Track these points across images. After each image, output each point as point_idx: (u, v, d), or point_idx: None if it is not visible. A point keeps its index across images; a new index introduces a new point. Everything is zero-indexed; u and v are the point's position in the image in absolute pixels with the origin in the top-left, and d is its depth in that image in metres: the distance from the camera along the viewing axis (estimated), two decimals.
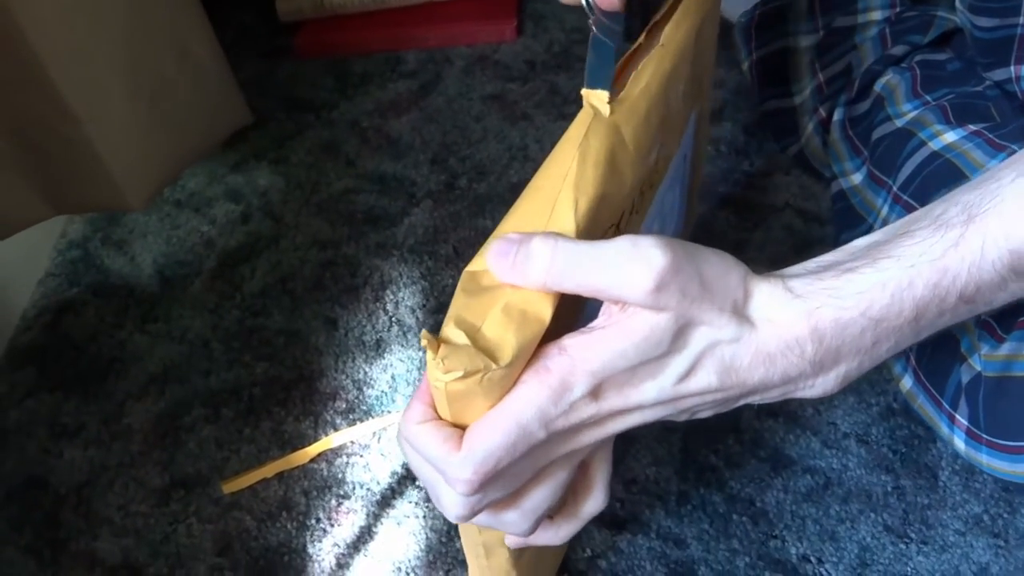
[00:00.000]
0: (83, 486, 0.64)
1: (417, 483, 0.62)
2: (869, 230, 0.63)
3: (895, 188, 0.61)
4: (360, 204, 0.83)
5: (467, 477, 0.34)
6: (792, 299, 0.34)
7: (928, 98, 0.63)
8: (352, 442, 0.65)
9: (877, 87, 0.67)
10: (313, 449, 0.64)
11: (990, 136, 0.57)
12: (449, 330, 0.34)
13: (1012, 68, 0.58)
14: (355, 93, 0.96)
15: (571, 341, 0.34)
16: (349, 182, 0.86)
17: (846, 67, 0.71)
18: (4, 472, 0.66)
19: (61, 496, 0.64)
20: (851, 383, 0.37)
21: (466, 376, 0.33)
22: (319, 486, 0.62)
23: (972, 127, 0.58)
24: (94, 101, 0.68)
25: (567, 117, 0.91)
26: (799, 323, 0.34)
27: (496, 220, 0.79)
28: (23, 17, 0.62)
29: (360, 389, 0.68)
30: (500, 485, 0.35)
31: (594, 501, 0.41)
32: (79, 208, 0.77)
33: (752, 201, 0.78)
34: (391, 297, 0.74)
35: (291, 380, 0.69)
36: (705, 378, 0.35)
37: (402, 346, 0.70)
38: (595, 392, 0.34)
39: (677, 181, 0.56)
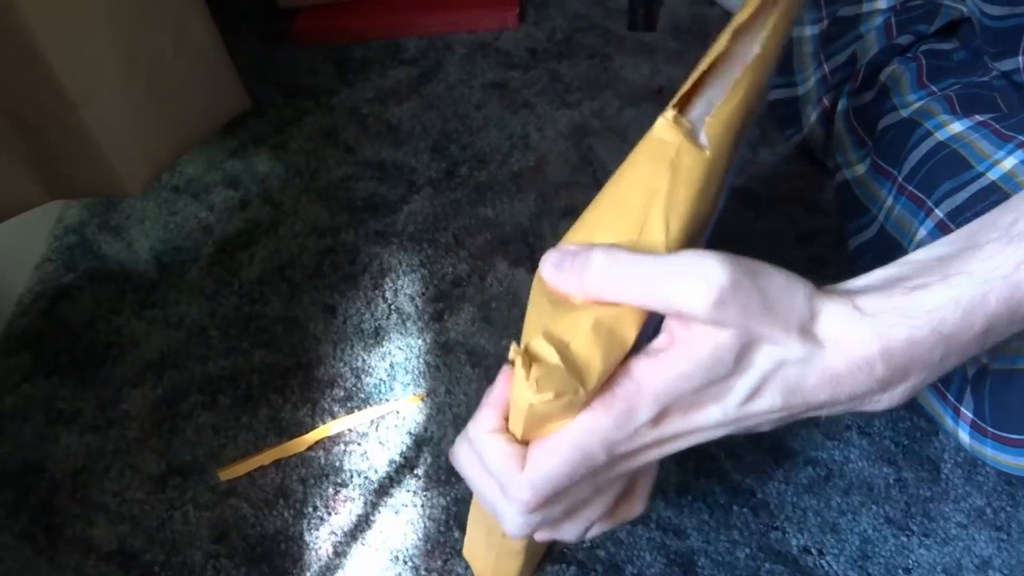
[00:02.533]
0: (79, 472, 0.64)
1: (415, 472, 0.61)
2: (873, 221, 0.63)
3: (900, 179, 0.60)
4: (359, 191, 0.83)
5: (526, 498, 0.34)
6: (862, 319, 0.34)
7: (934, 88, 0.62)
8: (350, 430, 0.64)
9: (882, 77, 0.67)
10: (311, 437, 0.63)
11: (997, 127, 0.56)
12: (539, 345, 0.33)
13: (1020, 58, 0.57)
14: (355, 80, 0.95)
15: (636, 365, 0.34)
16: (348, 169, 0.85)
17: (851, 57, 0.71)
18: None
19: (57, 482, 0.63)
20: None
21: (555, 398, 0.32)
22: (316, 474, 0.62)
23: (979, 117, 0.57)
24: (90, 84, 0.68)
25: (569, 105, 0.90)
26: (870, 344, 0.33)
27: (496, 208, 0.79)
28: None
29: (358, 377, 0.67)
30: (560, 504, 0.36)
31: (634, 508, 0.41)
32: (76, 193, 0.77)
33: (755, 191, 0.78)
34: (390, 285, 0.74)
35: (289, 368, 0.69)
36: (770, 399, 0.34)
37: (401, 334, 0.70)
38: (660, 416, 0.34)
39: (727, 187, 0.55)
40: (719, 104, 0.40)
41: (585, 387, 0.32)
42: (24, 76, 0.65)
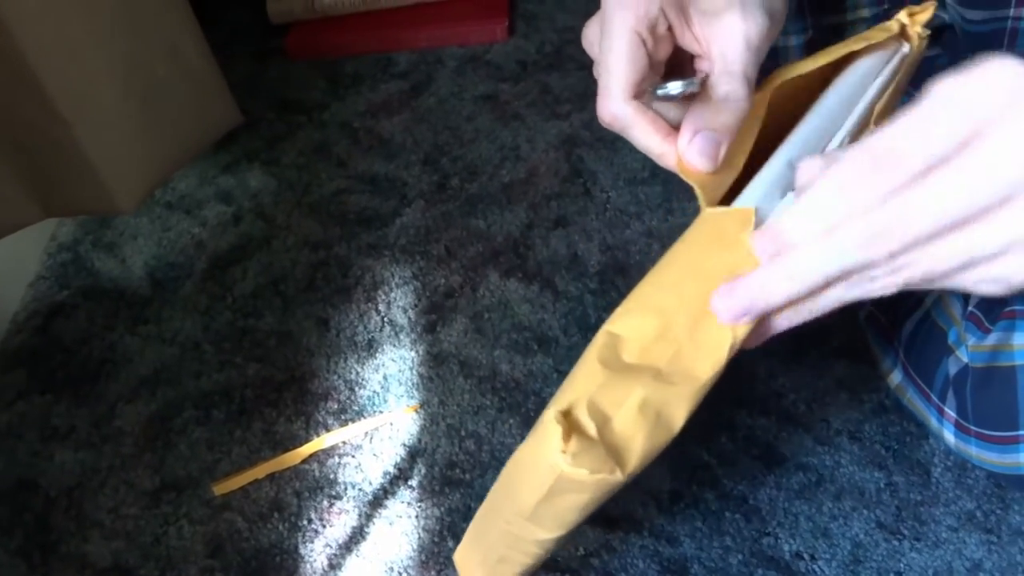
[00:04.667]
0: (74, 488, 0.64)
1: (409, 483, 0.61)
2: None
3: None
4: (352, 205, 0.83)
5: None
6: None
7: (915, 94, 0.63)
8: (344, 442, 0.64)
9: None
10: (305, 450, 0.64)
11: None
12: (581, 413, 0.31)
13: None
14: (346, 94, 0.96)
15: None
16: (341, 183, 0.85)
17: None
18: None
19: (51, 498, 0.63)
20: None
21: (589, 475, 0.31)
22: (311, 487, 0.62)
23: None
24: (82, 102, 0.68)
25: (559, 116, 0.91)
26: None
27: (488, 220, 0.79)
28: (10, 14, 0.62)
29: (352, 389, 0.68)
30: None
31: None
32: (69, 211, 0.77)
33: None
34: (383, 297, 0.74)
35: (283, 381, 0.69)
36: None
37: (394, 346, 0.70)
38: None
39: None
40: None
41: (623, 470, 0.31)
42: (16, 94, 0.66)
